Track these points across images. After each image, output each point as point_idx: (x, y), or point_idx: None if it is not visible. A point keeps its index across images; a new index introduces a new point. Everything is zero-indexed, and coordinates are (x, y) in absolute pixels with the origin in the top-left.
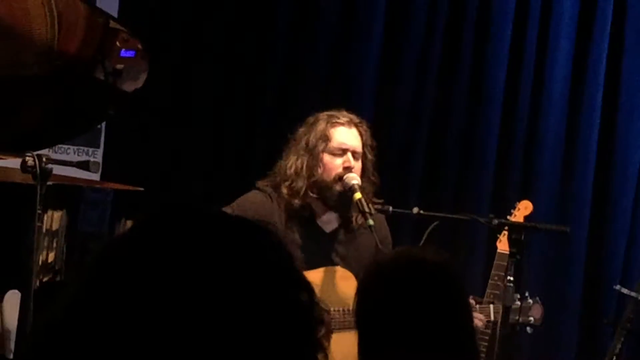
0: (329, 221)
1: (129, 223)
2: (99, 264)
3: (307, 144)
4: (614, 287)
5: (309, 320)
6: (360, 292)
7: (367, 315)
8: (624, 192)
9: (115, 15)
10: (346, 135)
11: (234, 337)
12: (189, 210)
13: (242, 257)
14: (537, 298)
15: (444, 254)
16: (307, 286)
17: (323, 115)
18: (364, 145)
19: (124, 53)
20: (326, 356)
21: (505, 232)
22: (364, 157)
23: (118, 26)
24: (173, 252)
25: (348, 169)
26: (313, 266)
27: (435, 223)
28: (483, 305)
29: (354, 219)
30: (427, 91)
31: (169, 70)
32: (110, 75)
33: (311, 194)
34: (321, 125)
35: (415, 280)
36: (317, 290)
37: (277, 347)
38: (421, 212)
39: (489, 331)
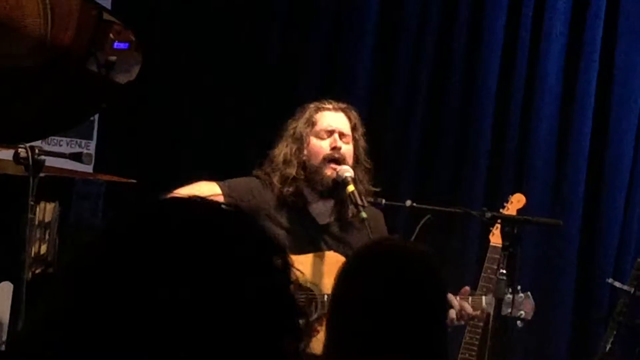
0: (322, 212)
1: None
2: (86, 259)
3: (294, 131)
4: (607, 280)
5: (282, 282)
6: (334, 287)
7: (338, 311)
8: (617, 186)
9: (109, 7)
10: (332, 117)
11: (213, 305)
12: (159, 198)
13: (214, 232)
14: (529, 293)
15: (424, 246)
16: (281, 252)
17: (311, 104)
18: (353, 130)
19: (117, 45)
20: (305, 316)
21: (498, 225)
22: (355, 143)
23: (111, 18)
24: (151, 234)
25: (336, 149)
26: (304, 253)
27: (428, 216)
28: (475, 297)
29: (349, 211)
30: (420, 84)
31: (162, 62)
32: (103, 67)
33: (302, 180)
34: (307, 112)
35: (391, 275)
36: (311, 274)
37: (253, 308)
38: (414, 204)
39: (481, 324)
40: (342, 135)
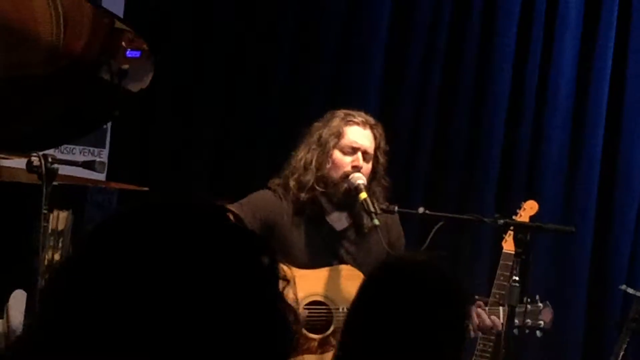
0: (339, 219)
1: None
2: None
3: (319, 138)
4: (620, 287)
5: (270, 277)
6: (355, 299)
7: (356, 322)
8: (629, 192)
9: (121, 15)
10: (359, 134)
11: (198, 305)
12: (162, 201)
13: (207, 235)
14: (547, 302)
15: (445, 263)
16: (269, 251)
17: (340, 113)
18: (376, 148)
19: (129, 53)
20: (292, 308)
21: (511, 232)
22: (375, 160)
23: (123, 26)
24: (149, 236)
25: (356, 169)
26: (322, 264)
27: (440, 223)
28: (493, 308)
29: (365, 221)
30: (432, 90)
31: (174, 70)
32: (115, 75)
33: (318, 189)
34: (336, 122)
35: (414, 292)
36: (326, 288)
37: (242, 301)
38: (427, 212)
39: (494, 331)
40: (365, 153)
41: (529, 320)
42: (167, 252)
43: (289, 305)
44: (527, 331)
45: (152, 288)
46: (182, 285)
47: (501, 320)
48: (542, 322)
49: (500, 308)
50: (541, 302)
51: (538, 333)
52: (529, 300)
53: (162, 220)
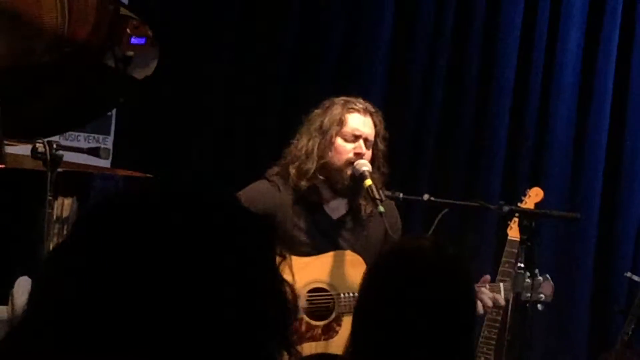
0: (337, 208)
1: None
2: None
3: (320, 126)
4: (625, 274)
5: (267, 252)
6: (361, 287)
7: (365, 311)
8: (634, 179)
9: (126, 2)
10: (361, 122)
11: (192, 287)
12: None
13: (206, 215)
14: (547, 275)
15: (451, 245)
16: (266, 227)
17: (339, 100)
18: (376, 135)
19: (134, 40)
20: (289, 284)
21: (516, 219)
22: (375, 147)
23: (128, 13)
24: (128, 219)
25: (359, 155)
26: (322, 252)
27: (445, 210)
28: (493, 284)
29: (363, 208)
30: (438, 77)
31: (179, 57)
32: (120, 62)
33: (319, 177)
34: (337, 109)
35: (419, 276)
36: (327, 274)
37: (241, 277)
38: (432, 198)
39: (499, 318)
40: (366, 141)
41: (529, 295)
42: (164, 234)
43: (286, 280)
44: (529, 305)
45: (150, 269)
46: (183, 261)
47: (502, 295)
48: (542, 296)
49: (501, 284)
50: (541, 275)
51: (539, 307)
52: (528, 274)
53: (158, 202)
